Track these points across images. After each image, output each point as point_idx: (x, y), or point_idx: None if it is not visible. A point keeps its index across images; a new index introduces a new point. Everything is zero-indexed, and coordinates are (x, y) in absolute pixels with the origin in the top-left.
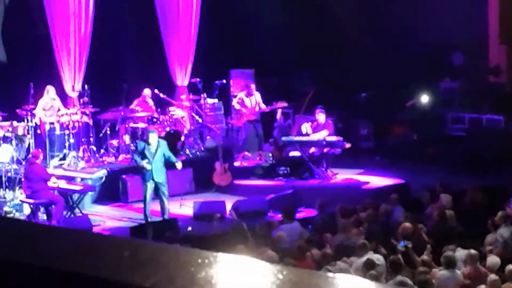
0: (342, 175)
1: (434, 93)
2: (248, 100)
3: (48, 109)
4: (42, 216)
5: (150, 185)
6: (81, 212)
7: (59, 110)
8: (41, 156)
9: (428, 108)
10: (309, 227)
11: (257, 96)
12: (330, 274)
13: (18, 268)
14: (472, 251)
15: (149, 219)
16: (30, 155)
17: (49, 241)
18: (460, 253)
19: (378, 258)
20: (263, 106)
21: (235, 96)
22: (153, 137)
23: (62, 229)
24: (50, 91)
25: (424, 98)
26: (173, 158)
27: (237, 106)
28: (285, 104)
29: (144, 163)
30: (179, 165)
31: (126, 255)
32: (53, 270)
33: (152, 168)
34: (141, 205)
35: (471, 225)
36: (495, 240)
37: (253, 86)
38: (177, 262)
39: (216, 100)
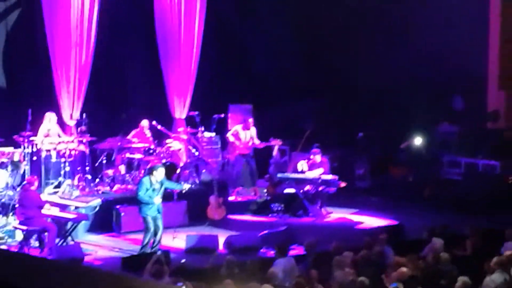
0: (336, 214)
1: (432, 135)
2: (244, 133)
3: (46, 135)
4: (34, 243)
5: (153, 217)
6: (73, 240)
7: (59, 136)
8: (36, 183)
9: (423, 150)
10: (301, 264)
11: (252, 131)
12: None
13: None
14: None
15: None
16: (25, 182)
17: (41, 273)
18: None
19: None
20: (257, 141)
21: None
22: (160, 173)
23: (54, 261)
24: (52, 119)
25: (418, 140)
26: (175, 184)
27: (231, 138)
28: (280, 143)
29: (155, 199)
30: (186, 185)
31: None
32: None
33: (154, 204)
34: (134, 235)
35: (466, 268)
36: (486, 285)
37: (250, 120)
38: None
39: (213, 134)
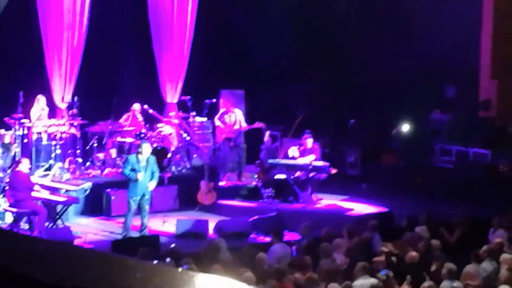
0: (326, 200)
1: (423, 123)
2: (227, 116)
3: (38, 118)
4: (24, 225)
5: (136, 199)
6: (63, 223)
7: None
8: (27, 165)
9: (412, 136)
10: (293, 250)
11: (238, 114)
12: None
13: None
14: (455, 284)
15: (128, 234)
16: (15, 164)
17: (31, 251)
18: (445, 285)
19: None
20: (244, 125)
21: None
22: (146, 148)
23: (44, 240)
24: (40, 101)
25: (405, 127)
26: (154, 176)
27: (217, 122)
28: (263, 125)
29: (139, 175)
30: (151, 186)
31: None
32: (33, 280)
33: (140, 181)
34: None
35: (454, 256)
36: (477, 273)
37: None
38: (159, 279)
39: (205, 119)
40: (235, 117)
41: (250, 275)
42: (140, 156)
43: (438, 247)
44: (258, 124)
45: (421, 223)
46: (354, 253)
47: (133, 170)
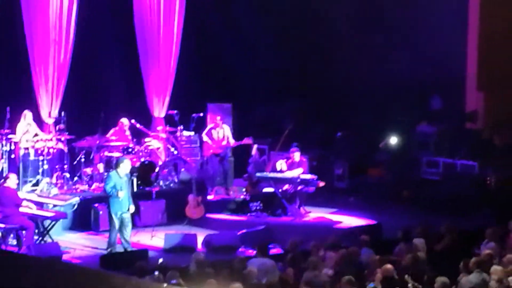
0: (315, 213)
1: (410, 135)
2: (216, 132)
3: (24, 133)
4: (12, 241)
5: (119, 215)
6: (51, 239)
7: (35, 135)
8: (15, 180)
9: (400, 149)
10: (279, 264)
11: (226, 130)
12: None
13: None
14: None
15: (114, 250)
16: (2, 179)
17: (18, 268)
18: None
19: None
20: (232, 141)
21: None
22: (126, 165)
23: (32, 257)
24: (27, 116)
25: (393, 140)
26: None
27: (205, 138)
28: (250, 141)
29: (120, 193)
30: (131, 208)
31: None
32: None
33: (123, 198)
34: None
35: (443, 268)
36: (463, 285)
37: (218, 118)
38: None
39: (192, 133)
40: (223, 133)
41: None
42: (120, 172)
43: (424, 259)
44: (246, 140)
45: (417, 235)
46: (341, 266)
47: (114, 187)
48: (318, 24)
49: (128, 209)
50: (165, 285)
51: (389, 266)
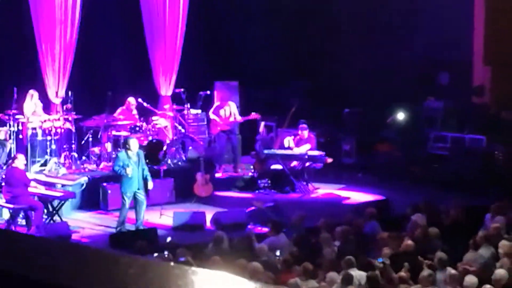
0: (323, 190)
1: (418, 111)
2: (222, 110)
3: (32, 114)
4: (21, 221)
5: (130, 195)
6: (60, 218)
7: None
8: (23, 160)
9: (407, 125)
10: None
11: (232, 107)
12: None
13: None
14: (452, 271)
15: (123, 228)
16: (11, 160)
17: (28, 250)
18: (440, 274)
19: (360, 274)
20: (238, 117)
21: None
22: (134, 144)
23: (37, 237)
24: (34, 96)
25: (400, 115)
26: (146, 172)
27: (212, 116)
28: (258, 116)
29: (128, 170)
30: (150, 185)
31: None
32: (31, 279)
33: (133, 177)
34: None
35: (452, 244)
36: (475, 259)
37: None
38: (152, 274)
39: (199, 111)
40: (230, 110)
41: (257, 265)
42: (129, 152)
43: (436, 235)
44: (253, 116)
45: (420, 210)
46: (346, 241)
47: (124, 164)
48: (327, 4)
49: (139, 188)
50: (172, 263)
51: (410, 242)
